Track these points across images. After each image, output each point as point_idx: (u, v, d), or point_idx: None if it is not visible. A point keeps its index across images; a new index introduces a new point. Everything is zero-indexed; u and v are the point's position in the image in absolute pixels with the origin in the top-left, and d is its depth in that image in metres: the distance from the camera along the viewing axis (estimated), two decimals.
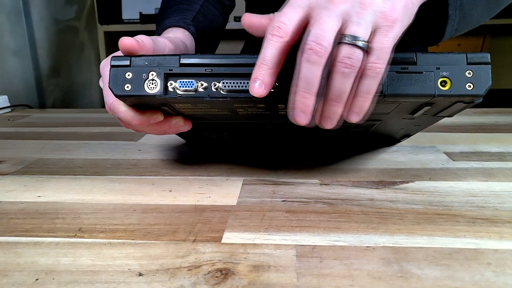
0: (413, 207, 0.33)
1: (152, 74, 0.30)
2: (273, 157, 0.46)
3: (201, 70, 0.30)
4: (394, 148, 0.49)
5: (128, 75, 0.30)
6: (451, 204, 0.34)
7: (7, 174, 0.43)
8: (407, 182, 0.39)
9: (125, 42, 0.31)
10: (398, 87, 0.29)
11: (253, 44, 0.74)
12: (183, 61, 0.30)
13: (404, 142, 0.51)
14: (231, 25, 1.42)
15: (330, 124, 0.29)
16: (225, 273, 0.25)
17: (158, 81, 0.30)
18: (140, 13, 1.58)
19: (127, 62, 0.30)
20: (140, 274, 0.25)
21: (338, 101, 0.28)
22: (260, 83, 0.27)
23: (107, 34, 1.53)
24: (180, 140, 0.54)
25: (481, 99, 0.29)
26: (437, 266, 0.25)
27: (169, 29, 0.46)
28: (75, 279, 0.24)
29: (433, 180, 0.39)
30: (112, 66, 0.30)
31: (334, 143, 0.51)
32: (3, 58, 1.16)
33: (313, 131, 0.43)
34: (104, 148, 0.51)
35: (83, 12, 1.57)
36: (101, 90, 1.67)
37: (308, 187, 0.38)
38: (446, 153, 0.47)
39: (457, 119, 0.64)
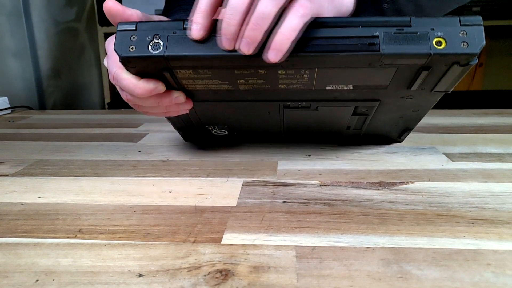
0: (412, 208, 0.33)
1: (156, 37, 0.31)
2: (273, 158, 0.46)
3: None
4: (393, 149, 0.49)
5: (133, 37, 0.32)
6: (450, 205, 0.34)
7: (7, 175, 0.43)
8: (407, 183, 0.39)
9: (108, 3, 0.32)
10: (394, 47, 0.30)
11: None
12: (187, 25, 0.31)
13: (404, 143, 0.51)
14: None
15: (246, 49, 0.30)
16: (225, 274, 0.25)
17: (162, 43, 0.31)
18: None
19: (133, 27, 0.32)
20: (140, 275, 0.25)
21: (258, 25, 0.28)
22: (196, 26, 0.30)
23: (107, 35, 1.53)
24: (180, 141, 0.55)
25: (477, 60, 0.30)
26: (437, 267, 0.25)
27: None
28: (75, 280, 0.25)
29: (432, 181, 0.39)
30: (118, 31, 0.32)
31: (333, 140, 0.51)
32: (3, 59, 1.16)
33: (313, 121, 0.43)
34: (104, 149, 0.52)
35: (83, 14, 1.57)
36: (101, 91, 1.67)
37: (308, 188, 0.38)
38: (446, 154, 0.47)
39: (456, 120, 0.64)
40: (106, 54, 0.36)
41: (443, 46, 0.29)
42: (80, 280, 0.25)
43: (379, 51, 0.30)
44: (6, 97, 0.83)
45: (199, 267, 0.26)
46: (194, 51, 0.31)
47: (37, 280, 0.25)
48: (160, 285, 0.24)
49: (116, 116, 0.74)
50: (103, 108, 1.60)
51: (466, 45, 0.29)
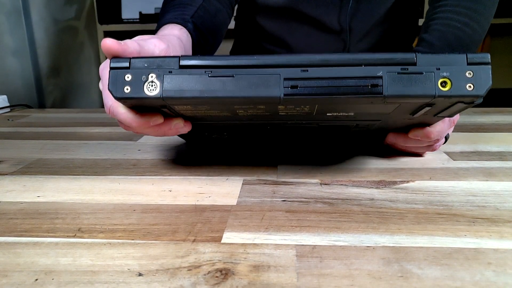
0: (413, 206, 0.33)
1: (152, 76, 0.29)
2: (273, 157, 0.46)
3: (201, 72, 0.30)
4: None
5: (128, 77, 0.30)
6: (451, 203, 0.34)
7: (6, 174, 0.43)
8: (408, 181, 0.38)
9: (107, 43, 0.31)
10: (398, 88, 0.28)
11: (242, 43, 0.74)
12: (183, 63, 0.30)
13: None
14: (232, 25, 1.42)
15: None
16: (225, 273, 0.25)
17: (158, 83, 0.29)
18: (140, 13, 1.58)
19: (127, 64, 0.30)
20: (140, 274, 0.25)
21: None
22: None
23: (107, 34, 1.53)
24: (180, 140, 0.54)
25: (482, 100, 0.29)
26: (438, 265, 0.25)
27: (166, 26, 0.46)
28: (75, 279, 0.24)
29: (433, 180, 0.39)
30: (111, 68, 0.30)
31: (334, 143, 0.51)
32: (2, 58, 1.16)
33: (313, 132, 0.43)
34: (103, 148, 0.51)
35: (83, 12, 1.57)
36: (100, 90, 1.67)
37: (308, 187, 0.38)
38: (447, 153, 0.47)
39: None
40: (105, 56, 0.36)
41: (448, 87, 0.28)
42: (79, 279, 0.24)
43: (381, 93, 0.28)
44: (5, 96, 0.83)
45: (199, 266, 0.25)
46: (192, 93, 0.29)
47: (36, 279, 0.24)
48: (160, 284, 0.24)
49: None
50: (103, 106, 1.59)
51: (472, 87, 0.28)
